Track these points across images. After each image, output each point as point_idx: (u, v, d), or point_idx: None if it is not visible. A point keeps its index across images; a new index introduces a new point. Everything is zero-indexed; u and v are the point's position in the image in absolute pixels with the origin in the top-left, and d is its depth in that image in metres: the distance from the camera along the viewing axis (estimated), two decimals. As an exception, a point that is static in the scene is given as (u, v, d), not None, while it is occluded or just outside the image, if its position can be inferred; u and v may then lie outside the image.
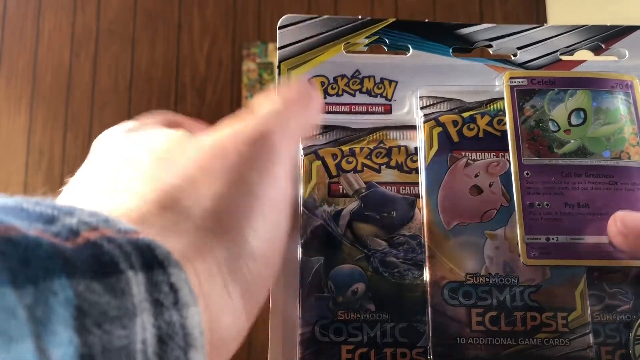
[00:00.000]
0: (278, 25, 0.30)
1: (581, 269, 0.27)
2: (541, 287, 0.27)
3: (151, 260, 0.15)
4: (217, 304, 0.17)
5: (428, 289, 0.27)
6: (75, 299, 0.13)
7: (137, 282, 0.15)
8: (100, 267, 0.14)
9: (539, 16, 2.22)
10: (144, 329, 0.14)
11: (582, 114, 0.30)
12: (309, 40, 0.32)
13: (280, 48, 0.31)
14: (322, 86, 0.31)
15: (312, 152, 0.30)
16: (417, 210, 0.29)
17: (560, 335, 0.26)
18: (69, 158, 2.25)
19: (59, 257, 0.14)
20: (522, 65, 0.31)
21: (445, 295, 0.27)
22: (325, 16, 0.32)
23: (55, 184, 2.24)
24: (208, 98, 2.31)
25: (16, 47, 2.39)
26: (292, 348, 0.26)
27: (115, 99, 2.31)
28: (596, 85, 0.30)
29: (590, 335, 0.26)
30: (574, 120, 0.29)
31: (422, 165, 0.29)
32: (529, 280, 0.27)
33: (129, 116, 2.26)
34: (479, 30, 0.32)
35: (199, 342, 0.15)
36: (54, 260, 0.13)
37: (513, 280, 0.27)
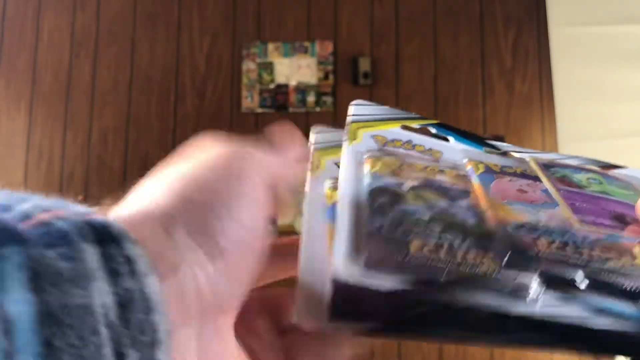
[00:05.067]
0: (352, 104, 0.36)
1: None
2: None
3: (105, 235, 0.16)
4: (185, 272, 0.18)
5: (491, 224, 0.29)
6: (28, 262, 0.14)
7: (90, 252, 0.15)
8: (51, 239, 0.15)
9: (539, 16, 2.22)
10: (101, 293, 0.15)
11: (597, 179, 0.34)
12: (374, 116, 0.36)
13: (353, 115, 0.35)
14: (382, 141, 0.35)
15: (374, 156, 0.33)
16: (472, 194, 0.32)
17: None
18: (68, 158, 2.25)
19: (9, 231, 0.15)
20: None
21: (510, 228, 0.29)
22: (387, 107, 0.37)
23: (54, 183, 2.24)
24: (208, 98, 2.31)
25: (16, 47, 2.38)
26: None
27: (115, 99, 2.31)
28: (612, 177, 0.34)
29: None
30: (592, 181, 0.34)
31: (472, 175, 0.32)
32: None
33: (128, 116, 2.24)
34: (504, 146, 0.36)
35: (160, 307, 0.16)
36: (4, 233, 0.15)
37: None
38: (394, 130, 0.35)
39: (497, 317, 0.23)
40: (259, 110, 2.29)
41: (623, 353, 0.23)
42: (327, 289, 0.23)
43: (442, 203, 0.28)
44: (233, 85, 2.31)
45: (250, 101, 2.29)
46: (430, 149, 0.34)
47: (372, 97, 2.24)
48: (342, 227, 0.25)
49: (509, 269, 0.24)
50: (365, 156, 0.32)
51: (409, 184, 0.29)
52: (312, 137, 0.34)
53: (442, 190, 0.29)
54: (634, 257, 0.26)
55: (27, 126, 2.31)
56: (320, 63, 2.29)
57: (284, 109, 2.29)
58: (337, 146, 0.33)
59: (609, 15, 2.06)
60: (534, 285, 0.24)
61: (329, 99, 2.27)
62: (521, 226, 0.27)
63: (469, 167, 0.32)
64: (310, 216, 0.29)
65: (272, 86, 2.29)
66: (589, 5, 2.08)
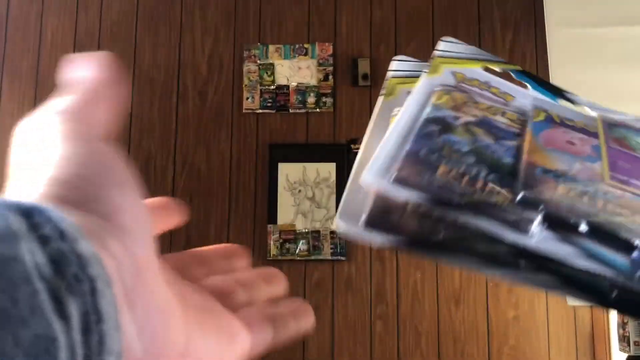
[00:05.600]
0: (442, 39, 0.36)
1: None
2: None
3: (30, 208, 0.16)
4: None
5: (523, 165, 0.30)
6: None
7: (17, 220, 0.15)
8: None
9: (536, 18, 2.24)
10: (32, 253, 0.15)
11: None
12: (459, 54, 0.37)
13: (438, 50, 0.36)
14: (460, 78, 0.35)
15: (442, 90, 0.34)
16: (523, 139, 0.32)
17: None
18: (71, 158, 2.27)
19: None
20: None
21: (537, 172, 0.29)
22: (474, 47, 0.37)
23: (58, 184, 2.26)
24: (209, 99, 2.33)
25: (19, 48, 2.41)
26: None
27: (117, 100, 2.33)
28: None
29: None
30: None
31: (529, 121, 0.34)
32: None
33: (131, 117, 2.26)
34: (582, 100, 0.37)
35: (94, 260, 0.16)
36: None
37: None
38: (475, 70, 0.36)
39: (496, 243, 0.25)
40: (260, 111, 2.31)
41: (596, 298, 0.25)
42: (368, 199, 0.25)
43: (487, 139, 0.30)
44: (234, 86, 2.33)
45: (251, 102, 2.31)
46: (504, 92, 0.35)
47: (371, 98, 2.26)
48: (387, 144, 0.28)
49: (519, 205, 0.26)
50: (436, 88, 0.33)
51: (465, 118, 0.31)
52: (393, 64, 0.35)
53: (494, 130, 0.31)
54: None
55: (31, 127, 2.33)
56: (320, 64, 2.31)
57: (284, 110, 2.31)
58: (415, 77, 0.35)
59: (607, 16, 2.08)
60: (537, 222, 0.26)
61: (328, 100, 2.29)
62: (549, 171, 0.29)
63: (530, 114, 0.34)
64: (372, 136, 0.31)
65: (272, 87, 2.32)
66: (587, 7, 2.10)
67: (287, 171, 2.27)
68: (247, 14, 2.36)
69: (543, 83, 0.37)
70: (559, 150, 0.30)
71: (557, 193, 0.27)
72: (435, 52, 0.36)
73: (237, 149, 2.30)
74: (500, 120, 0.32)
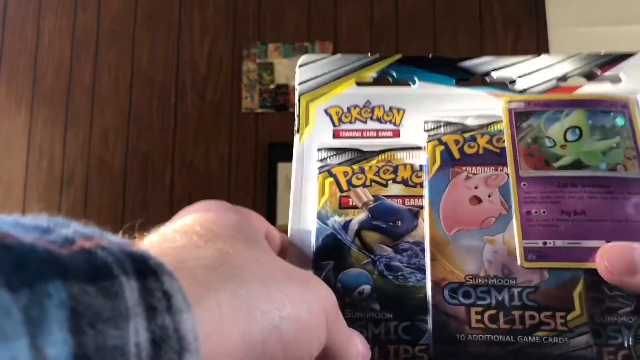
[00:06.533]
0: (298, 64, 0.33)
1: (579, 271, 0.28)
2: (539, 288, 0.28)
3: (144, 268, 0.16)
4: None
5: (429, 289, 0.28)
6: (68, 301, 0.14)
7: (130, 287, 0.15)
8: (94, 271, 0.15)
9: (538, 17, 2.22)
10: (137, 332, 0.15)
11: (577, 130, 0.31)
12: (325, 76, 0.34)
13: (300, 83, 0.34)
14: (337, 115, 0.33)
15: (325, 170, 0.32)
16: (420, 220, 0.30)
17: (559, 334, 0.26)
18: (69, 157, 2.25)
19: (53, 261, 0.14)
20: (521, 92, 0.33)
21: (445, 295, 0.28)
22: (339, 55, 0.34)
23: (55, 183, 2.24)
24: (208, 98, 2.31)
25: (17, 47, 2.39)
26: None
27: (115, 99, 2.32)
28: (591, 106, 0.32)
29: (590, 334, 0.26)
30: (569, 137, 0.31)
31: (425, 179, 0.31)
32: (527, 281, 0.28)
33: (129, 116, 2.23)
34: (480, 63, 0.34)
35: (193, 346, 0.16)
36: (48, 264, 0.14)
37: (511, 281, 0.28)
38: (349, 92, 0.33)
39: None
40: (259, 110, 2.29)
41: None
42: None
43: (385, 251, 0.30)
44: (233, 85, 2.31)
45: (250, 101, 2.29)
46: (390, 110, 0.33)
47: (371, 97, 2.25)
48: None
49: None
50: (313, 171, 0.32)
51: (355, 220, 0.31)
52: (297, 74, 0.33)
53: (390, 223, 0.30)
54: (569, 309, 0.27)
55: (28, 126, 2.32)
56: (320, 63, 2.29)
57: (284, 109, 2.29)
58: (326, 84, 0.33)
59: (609, 15, 2.07)
60: None
61: (328, 99, 2.27)
62: (457, 289, 0.28)
63: (424, 159, 0.32)
64: (295, 196, 0.30)
65: (272, 86, 2.30)
66: (589, 6, 2.09)
67: (287, 171, 2.25)
68: (246, 12, 2.35)
69: (431, 65, 0.34)
70: (463, 233, 0.29)
71: (471, 327, 0.27)
72: (297, 87, 0.33)
73: (236, 149, 2.28)
74: (394, 191, 0.31)
